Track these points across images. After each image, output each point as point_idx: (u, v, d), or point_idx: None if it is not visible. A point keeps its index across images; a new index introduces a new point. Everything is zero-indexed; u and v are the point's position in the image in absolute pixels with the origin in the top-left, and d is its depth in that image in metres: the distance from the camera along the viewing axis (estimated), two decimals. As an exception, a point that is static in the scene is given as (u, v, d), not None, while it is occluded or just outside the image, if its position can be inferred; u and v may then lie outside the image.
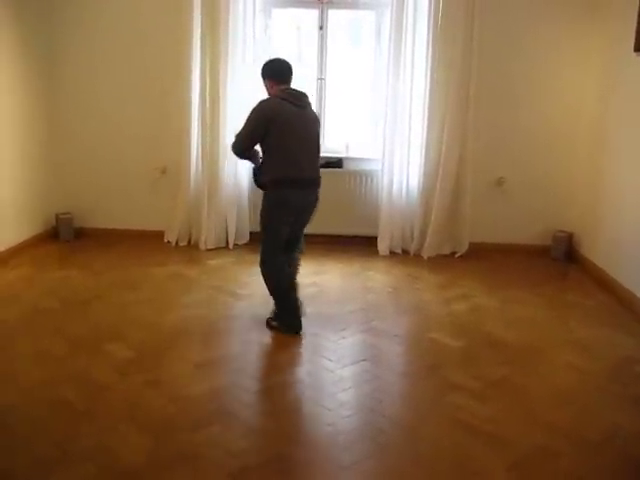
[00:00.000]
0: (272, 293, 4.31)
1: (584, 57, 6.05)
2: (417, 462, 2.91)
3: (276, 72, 4.20)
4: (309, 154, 4.20)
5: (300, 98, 4.16)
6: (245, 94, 5.97)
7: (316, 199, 4.30)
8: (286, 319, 4.29)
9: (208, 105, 6.07)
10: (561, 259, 6.21)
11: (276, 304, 4.33)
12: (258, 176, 4.26)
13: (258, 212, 4.29)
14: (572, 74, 6.11)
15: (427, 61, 5.95)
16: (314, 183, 4.25)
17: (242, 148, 4.18)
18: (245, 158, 4.32)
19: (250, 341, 4.21)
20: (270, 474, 2.80)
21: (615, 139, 5.56)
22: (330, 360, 3.91)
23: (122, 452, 2.91)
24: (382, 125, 6.18)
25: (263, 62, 4.32)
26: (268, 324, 4.36)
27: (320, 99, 6.39)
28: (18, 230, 6.03)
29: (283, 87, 4.15)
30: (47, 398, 3.38)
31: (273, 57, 4.39)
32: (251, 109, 4.11)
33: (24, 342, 4.11)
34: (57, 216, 6.54)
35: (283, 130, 4.03)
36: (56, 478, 2.71)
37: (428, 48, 5.92)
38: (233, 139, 4.24)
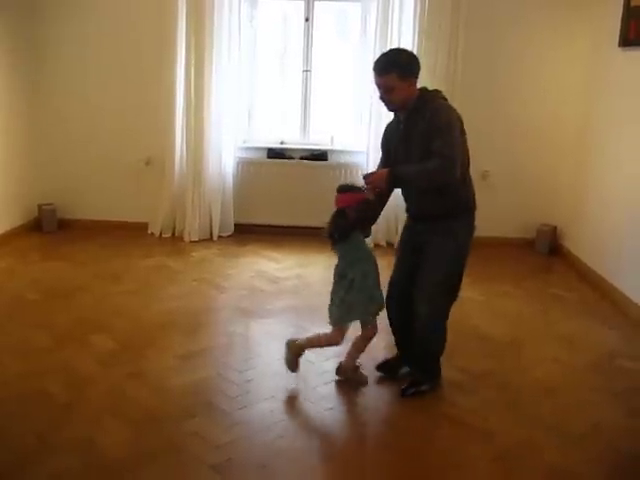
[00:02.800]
0: (438, 355, 3.55)
1: (569, 51, 6.06)
2: (402, 454, 2.92)
3: (419, 69, 3.34)
4: None
5: None
6: (230, 85, 5.95)
7: None
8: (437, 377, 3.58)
9: (193, 96, 6.03)
10: (545, 253, 6.24)
11: (432, 366, 3.54)
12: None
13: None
14: (557, 68, 6.12)
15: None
16: None
17: (459, 160, 3.16)
18: (453, 178, 3.17)
19: (234, 333, 4.20)
20: (253, 467, 2.80)
21: (599, 134, 5.59)
22: (312, 353, 3.89)
23: (105, 444, 2.89)
24: (367, 117, 6.17)
25: (396, 55, 3.38)
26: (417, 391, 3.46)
27: (305, 91, 6.37)
28: (0, 220, 5.96)
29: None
30: (29, 390, 3.35)
31: (399, 48, 4.01)
32: (443, 114, 3.21)
33: (6, 334, 4.07)
34: (40, 207, 6.48)
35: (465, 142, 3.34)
36: (38, 470, 2.69)
37: (414, 41, 5.91)
38: (444, 155, 3.11)
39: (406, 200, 3.54)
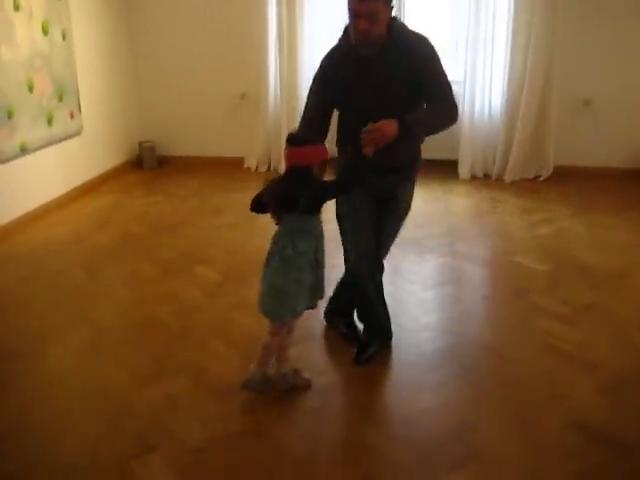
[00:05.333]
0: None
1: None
2: (505, 384, 2.91)
3: None
4: None
5: None
6: (322, 16, 5.86)
7: None
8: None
9: (285, 30, 6.00)
10: (652, 182, 5.96)
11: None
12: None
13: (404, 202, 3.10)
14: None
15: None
16: None
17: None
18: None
19: (334, 265, 4.24)
20: (358, 389, 2.88)
21: None
22: (412, 283, 3.92)
23: (216, 368, 3.03)
24: (464, 45, 5.97)
25: None
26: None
27: (401, 13, 6.18)
28: (105, 158, 6.22)
29: None
30: (143, 317, 3.54)
31: None
32: (429, 49, 2.82)
33: (117, 264, 4.29)
34: (140, 144, 6.68)
35: None
36: (153, 391, 2.86)
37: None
38: (450, 100, 2.82)
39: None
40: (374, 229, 2.98)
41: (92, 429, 2.61)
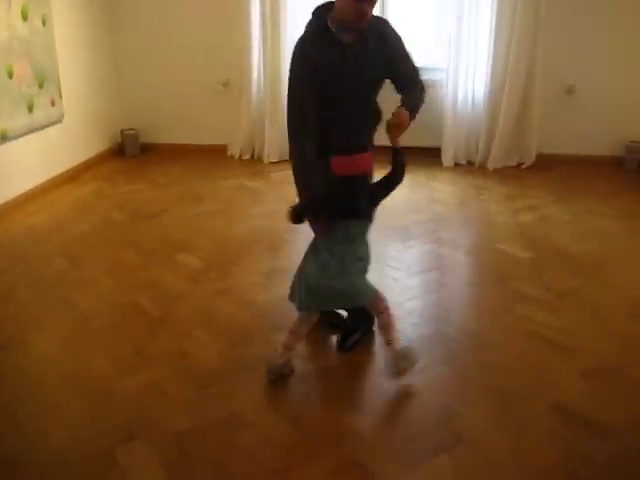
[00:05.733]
0: None
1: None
2: (488, 368, 2.93)
3: None
4: None
5: None
6: (304, 7, 5.80)
7: None
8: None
9: (268, 17, 5.95)
10: (634, 170, 5.99)
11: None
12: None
13: None
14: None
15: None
16: None
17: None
18: None
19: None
20: (343, 375, 2.88)
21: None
22: (396, 269, 3.92)
23: (197, 355, 3.02)
24: (447, 34, 5.97)
25: None
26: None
27: (384, 8, 6.17)
28: (87, 146, 6.16)
29: None
30: (124, 304, 3.52)
31: None
32: (397, 32, 2.76)
33: (98, 252, 4.26)
34: (122, 132, 6.62)
35: None
36: (135, 378, 2.84)
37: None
38: (421, 82, 2.84)
39: (341, 134, 2.74)
40: None
41: (75, 418, 2.59)
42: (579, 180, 5.77)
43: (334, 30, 2.65)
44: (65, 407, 2.66)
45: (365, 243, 2.73)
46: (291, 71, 2.72)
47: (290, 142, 2.74)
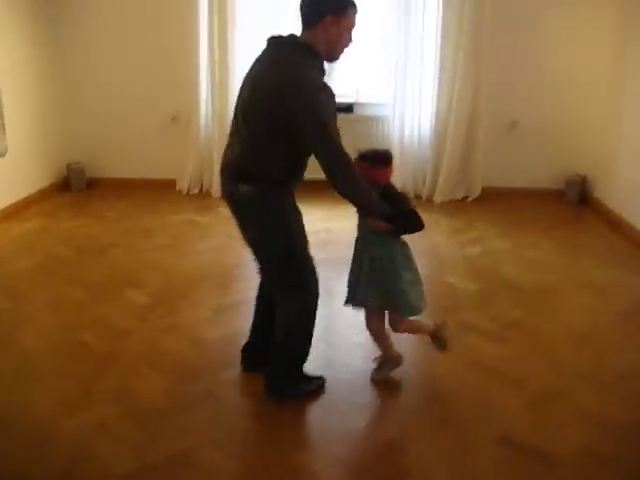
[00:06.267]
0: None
1: (600, -5, 5.90)
2: (434, 400, 2.96)
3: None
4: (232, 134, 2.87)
5: (269, 43, 2.76)
6: (254, 39, 5.87)
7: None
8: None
9: (217, 52, 5.99)
10: (575, 202, 6.17)
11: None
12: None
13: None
14: (588, 13, 5.95)
15: (439, 2, 5.82)
16: None
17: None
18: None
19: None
20: (287, 415, 2.85)
21: (633, 81, 5.45)
22: (327, 309, 3.92)
23: (144, 393, 2.96)
24: (393, 69, 6.09)
25: None
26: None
27: (330, 43, 6.28)
28: (30, 181, 6.04)
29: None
30: (69, 342, 3.44)
31: None
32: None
33: (42, 289, 4.16)
34: (68, 166, 6.53)
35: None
36: (80, 417, 2.77)
37: (440, -12, 5.80)
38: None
39: (301, 169, 2.81)
40: None
41: (15, 461, 2.51)
42: (522, 212, 5.92)
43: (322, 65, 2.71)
44: (5, 450, 2.57)
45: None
46: (318, 100, 2.57)
47: (340, 158, 2.58)
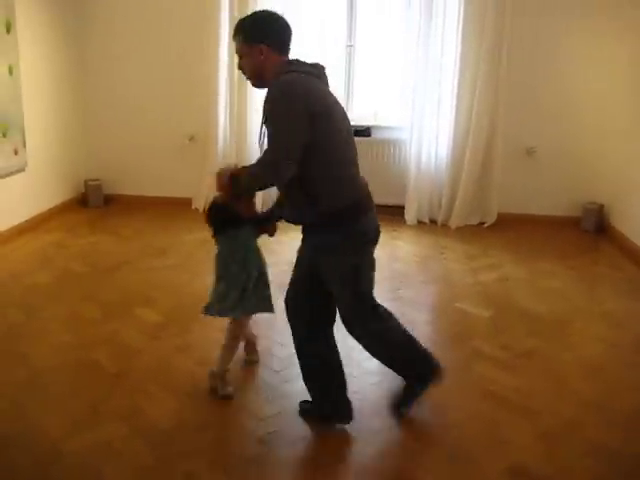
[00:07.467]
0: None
1: (620, 23, 5.87)
2: (446, 430, 2.92)
3: (280, 35, 2.69)
4: (355, 158, 2.75)
5: (323, 72, 2.72)
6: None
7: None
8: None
9: (235, 74, 6.04)
10: (591, 231, 6.13)
11: None
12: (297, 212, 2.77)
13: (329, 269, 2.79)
14: (608, 41, 5.95)
15: (458, 28, 5.86)
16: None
17: (285, 158, 2.51)
18: (282, 181, 2.61)
19: (278, 307, 4.21)
20: (297, 440, 2.83)
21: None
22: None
23: (153, 413, 2.96)
24: (411, 94, 6.12)
25: (244, 18, 2.77)
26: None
27: (349, 67, 6.33)
28: (49, 196, 6.11)
29: (286, 59, 2.70)
30: (80, 359, 3.45)
31: (260, 11, 2.85)
32: (273, 94, 2.55)
33: (57, 304, 4.18)
34: (86, 182, 6.59)
35: (330, 124, 2.59)
36: (89, 436, 2.77)
37: (459, 14, 5.82)
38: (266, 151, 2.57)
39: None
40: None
41: (18, 478, 2.51)
42: (538, 240, 5.89)
43: None
44: (9, 466, 2.57)
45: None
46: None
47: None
